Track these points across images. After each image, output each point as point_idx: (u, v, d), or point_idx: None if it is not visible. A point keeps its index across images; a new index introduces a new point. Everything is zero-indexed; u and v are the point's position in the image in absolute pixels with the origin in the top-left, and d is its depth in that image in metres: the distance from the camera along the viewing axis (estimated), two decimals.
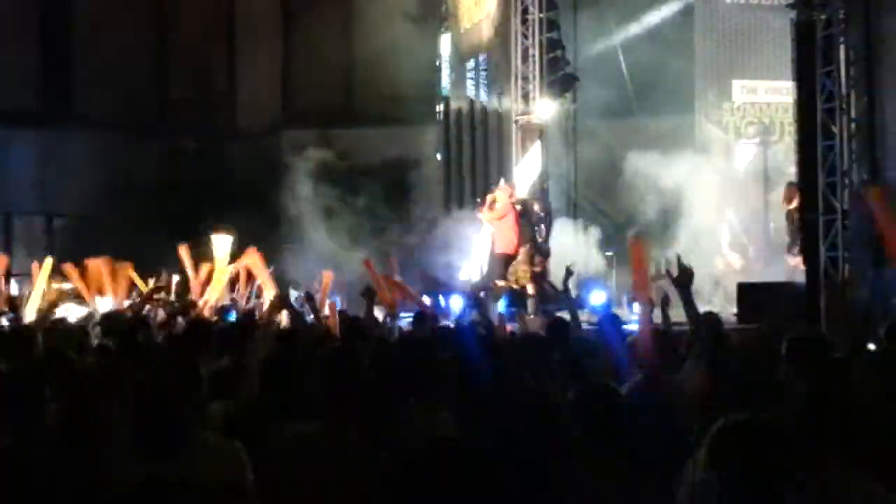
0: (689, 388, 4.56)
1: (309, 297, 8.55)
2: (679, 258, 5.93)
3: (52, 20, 21.48)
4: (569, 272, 7.89)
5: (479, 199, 16.30)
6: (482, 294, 13.35)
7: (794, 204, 12.87)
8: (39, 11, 21.41)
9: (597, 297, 11.94)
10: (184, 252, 11.47)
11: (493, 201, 14.74)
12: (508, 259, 14.34)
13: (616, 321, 6.86)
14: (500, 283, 14.00)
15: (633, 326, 8.66)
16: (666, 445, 3.86)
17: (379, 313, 8.80)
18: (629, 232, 14.83)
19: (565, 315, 7.51)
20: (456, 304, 12.31)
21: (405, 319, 9.61)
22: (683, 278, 5.68)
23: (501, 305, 11.89)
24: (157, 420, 3.18)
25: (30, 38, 21.17)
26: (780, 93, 15.76)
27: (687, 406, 4.25)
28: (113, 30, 21.35)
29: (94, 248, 14.32)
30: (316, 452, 3.73)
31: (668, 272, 5.91)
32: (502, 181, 15.72)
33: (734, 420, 2.89)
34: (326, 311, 8.94)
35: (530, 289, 13.51)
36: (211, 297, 10.38)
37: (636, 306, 12.03)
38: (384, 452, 3.40)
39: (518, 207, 14.68)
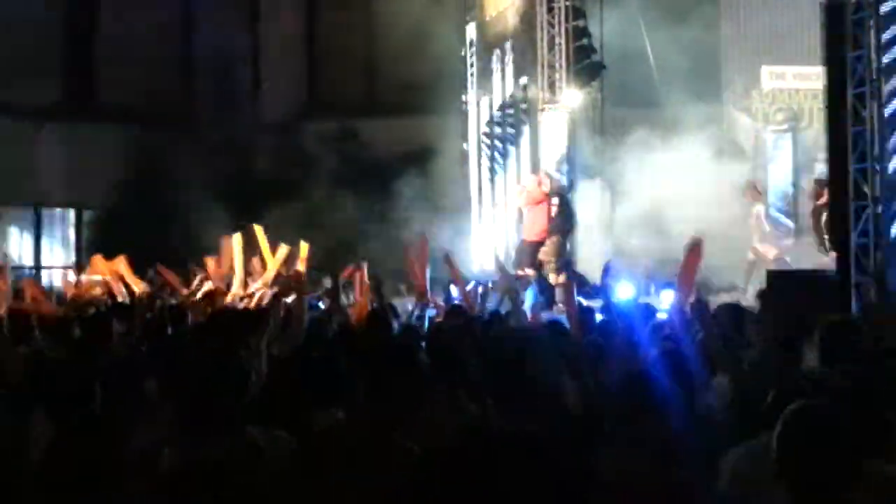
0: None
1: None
2: None
3: (77, 13, 21.58)
4: (607, 269, 7.82)
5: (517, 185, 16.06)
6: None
7: (823, 200, 12.76)
8: (64, 4, 21.52)
9: (624, 290, 11.79)
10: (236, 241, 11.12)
11: (524, 190, 14.65)
12: (537, 247, 14.26)
13: (645, 312, 6.80)
14: (530, 271, 13.89)
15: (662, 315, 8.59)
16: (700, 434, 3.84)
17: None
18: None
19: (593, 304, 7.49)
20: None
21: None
22: None
23: (530, 295, 11.79)
24: (203, 405, 3.17)
25: (54, 32, 21.29)
26: (809, 78, 15.59)
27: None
28: (137, 21, 21.43)
29: (121, 240, 14.42)
30: (348, 442, 3.73)
31: None
32: (534, 173, 15.64)
33: (803, 405, 2.84)
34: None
35: (556, 279, 13.42)
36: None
37: (663, 294, 11.97)
38: (417, 443, 3.38)
39: (553, 198, 14.50)
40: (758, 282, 13.31)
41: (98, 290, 11.09)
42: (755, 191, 14.70)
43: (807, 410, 2.84)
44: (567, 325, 6.93)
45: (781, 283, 11.11)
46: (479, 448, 2.75)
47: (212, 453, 3.01)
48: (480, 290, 9.45)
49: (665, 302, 11.31)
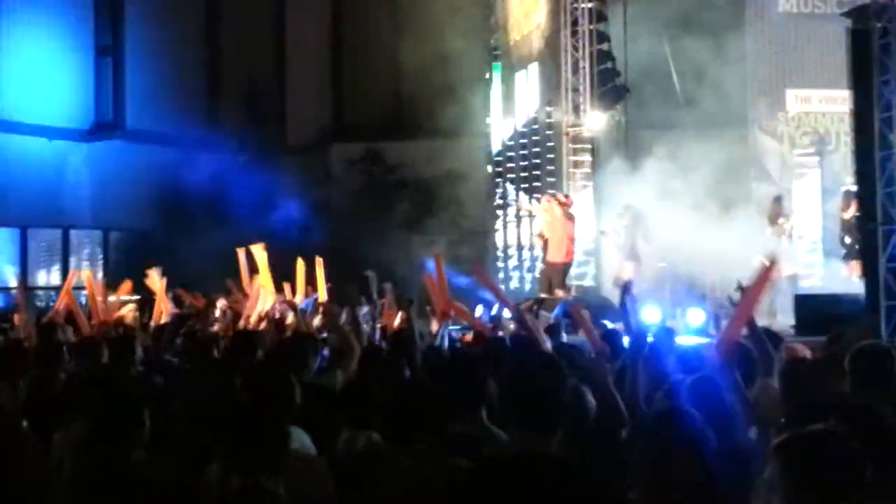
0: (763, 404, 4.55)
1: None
2: (739, 284, 6.01)
3: (104, 36, 21.81)
4: (626, 289, 7.76)
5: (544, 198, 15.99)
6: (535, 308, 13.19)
7: (851, 212, 12.75)
8: (91, 27, 21.75)
9: (650, 315, 11.65)
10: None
11: (560, 203, 14.70)
12: (565, 268, 14.27)
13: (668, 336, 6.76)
14: (559, 292, 13.81)
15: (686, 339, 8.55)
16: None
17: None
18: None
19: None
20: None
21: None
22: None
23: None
24: (257, 434, 3.20)
25: (82, 55, 21.51)
26: (835, 102, 15.55)
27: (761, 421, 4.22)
28: (164, 45, 21.65)
29: (148, 261, 14.48)
30: (385, 464, 3.75)
31: (730, 300, 6.04)
32: (562, 194, 15.66)
33: (804, 431, 2.84)
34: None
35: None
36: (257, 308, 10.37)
37: (691, 313, 11.89)
38: (451, 466, 3.39)
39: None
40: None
41: (127, 312, 11.15)
42: (780, 206, 14.67)
43: (803, 437, 2.84)
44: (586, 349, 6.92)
45: (810, 306, 11.05)
46: (500, 471, 2.74)
47: (266, 482, 3.03)
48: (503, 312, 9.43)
49: (694, 321, 11.23)
